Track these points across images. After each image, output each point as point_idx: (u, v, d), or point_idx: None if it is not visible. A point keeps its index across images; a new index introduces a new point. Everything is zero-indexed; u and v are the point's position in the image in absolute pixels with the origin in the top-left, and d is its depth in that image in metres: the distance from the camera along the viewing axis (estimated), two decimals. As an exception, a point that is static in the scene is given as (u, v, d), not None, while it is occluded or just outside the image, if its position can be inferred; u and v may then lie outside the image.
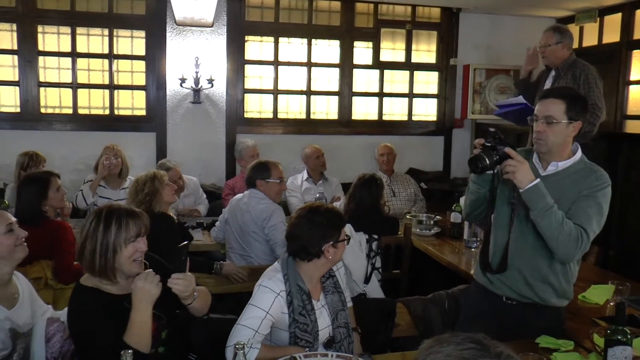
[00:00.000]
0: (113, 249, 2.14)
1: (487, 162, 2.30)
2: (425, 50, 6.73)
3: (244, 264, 3.82)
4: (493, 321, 2.47)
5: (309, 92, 6.37)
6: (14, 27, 5.68)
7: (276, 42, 6.20)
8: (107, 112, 5.93)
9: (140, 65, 5.93)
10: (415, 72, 6.69)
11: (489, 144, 2.31)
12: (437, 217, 4.75)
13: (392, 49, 6.60)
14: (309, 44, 6.29)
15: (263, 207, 3.84)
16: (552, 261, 2.45)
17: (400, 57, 6.62)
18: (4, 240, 2.31)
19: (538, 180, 2.30)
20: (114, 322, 2.10)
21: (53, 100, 5.85)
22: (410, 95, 6.71)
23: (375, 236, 3.95)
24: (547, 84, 4.33)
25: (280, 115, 6.32)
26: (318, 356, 2.25)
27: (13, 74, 5.73)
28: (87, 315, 2.11)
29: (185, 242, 2.33)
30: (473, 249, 4.07)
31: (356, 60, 6.44)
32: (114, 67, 5.90)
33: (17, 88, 5.74)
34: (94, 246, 2.13)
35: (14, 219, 2.40)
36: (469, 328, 1.17)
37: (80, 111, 5.88)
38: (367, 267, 3.87)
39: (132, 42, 5.91)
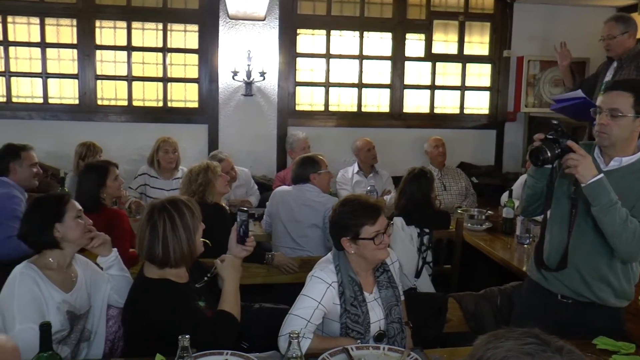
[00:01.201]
0: (188, 238, 2.28)
1: (549, 154, 2.23)
2: (478, 42, 6.63)
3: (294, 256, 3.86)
4: (548, 319, 2.43)
5: (360, 85, 6.36)
6: (74, 22, 5.89)
7: (328, 35, 6.22)
8: (160, 104, 6.09)
9: (193, 58, 6.05)
10: (468, 65, 6.60)
11: (551, 136, 2.24)
12: (489, 212, 4.69)
13: (445, 41, 6.53)
14: (361, 37, 6.28)
15: (325, 199, 3.91)
16: (612, 260, 2.38)
17: (453, 49, 6.53)
18: (74, 225, 2.41)
19: (602, 175, 2.22)
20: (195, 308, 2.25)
21: (109, 93, 6.04)
22: (462, 88, 6.62)
23: (427, 230, 3.95)
24: (608, 76, 4.22)
25: (331, 108, 6.35)
26: (370, 348, 2.28)
27: (72, 67, 5.96)
28: (171, 307, 2.22)
29: (246, 209, 2.47)
30: (525, 245, 4.02)
31: (408, 52, 6.40)
32: (168, 61, 6.04)
33: (76, 81, 5.97)
34: (168, 239, 2.26)
35: (80, 207, 2.50)
36: (522, 325, 1.15)
37: (135, 103, 6.06)
38: (418, 261, 3.87)
39: (186, 35, 6.04)
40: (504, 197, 4.71)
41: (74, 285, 2.44)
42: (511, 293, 3.19)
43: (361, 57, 6.32)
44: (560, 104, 4.36)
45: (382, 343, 2.39)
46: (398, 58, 6.37)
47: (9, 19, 5.84)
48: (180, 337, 1.72)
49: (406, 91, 6.47)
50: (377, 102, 6.47)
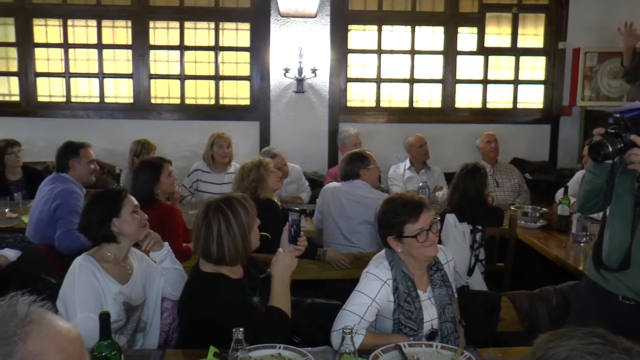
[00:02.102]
0: (243, 237, 2.32)
1: (610, 149, 2.11)
2: (532, 34, 6.46)
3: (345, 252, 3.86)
4: (607, 321, 2.33)
5: (411, 80, 6.31)
6: (129, 24, 6.07)
7: (379, 30, 6.19)
8: (212, 102, 6.20)
9: (245, 56, 6.13)
10: (521, 58, 6.44)
11: (613, 130, 2.12)
12: (543, 209, 4.58)
13: (497, 34, 6.39)
14: (412, 31, 6.23)
15: (376, 195, 3.89)
16: (679, 260, 2.27)
17: (506, 42, 6.39)
18: (131, 220, 2.48)
19: None
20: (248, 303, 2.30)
21: (162, 91, 6.20)
22: (516, 82, 6.47)
23: (480, 227, 3.89)
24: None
25: (382, 104, 6.32)
26: (423, 346, 2.26)
27: (127, 67, 6.14)
28: (224, 301, 2.27)
29: (297, 209, 2.50)
30: (582, 244, 3.91)
31: (460, 46, 6.31)
32: (220, 59, 6.14)
33: (131, 80, 6.15)
34: (223, 238, 2.30)
35: (136, 202, 2.57)
36: (580, 326, 1.12)
37: (187, 101, 6.19)
38: (471, 259, 3.83)
39: (237, 34, 6.12)
40: (559, 193, 4.59)
41: (130, 278, 2.52)
42: (567, 293, 3.11)
43: (413, 52, 6.26)
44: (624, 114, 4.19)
45: (435, 342, 2.37)
46: (450, 52, 6.28)
47: (69, 22, 6.06)
48: (234, 329, 1.75)
49: (458, 86, 6.38)
50: (429, 97, 6.40)
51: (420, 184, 4.93)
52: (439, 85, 6.36)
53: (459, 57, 6.33)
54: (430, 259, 2.48)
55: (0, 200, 4.66)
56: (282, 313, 2.32)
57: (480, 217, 3.90)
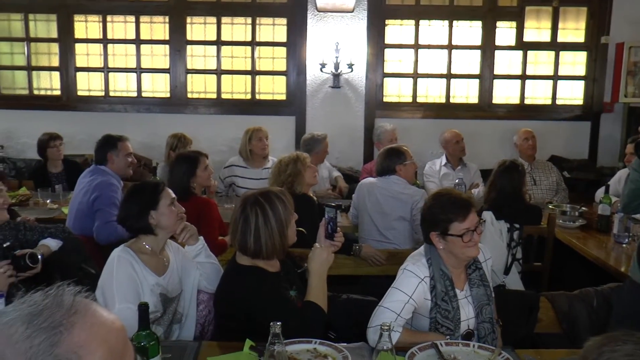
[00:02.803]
0: (280, 231, 2.32)
1: None
2: (573, 29, 6.31)
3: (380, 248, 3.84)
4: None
5: (449, 76, 6.24)
6: (167, 19, 6.15)
7: (417, 25, 6.13)
8: (248, 96, 6.23)
9: (282, 51, 6.14)
10: (561, 53, 6.30)
11: None
12: (583, 208, 4.48)
13: (537, 29, 6.26)
14: (450, 26, 6.15)
15: (413, 191, 3.89)
16: None
17: (546, 37, 6.26)
18: (168, 212, 2.51)
19: None
20: (285, 297, 2.32)
21: (199, 86, 6.26)
22: (555, 78, 6.34)
23: (517, 225, 3.83)
24: None
25: (419, 99, 6.27)
26: (459, 345, 2.23)
27: (164, 62, 6.21)
28: (260, 294, 2.27)
29: (334, 205, 2.48)
30: (624, 245, 3.81)
31: (498, 41, 6.21)
32: (256, 54, 6.16)
33: (168, 75, 6.23)
34: (260, 232, 2.30)
35: (174, 195, 2.59)
36: (624, 330, 1.09)
37: (224, 96, 6.24)
38: (508, 258, 3.77)
39: (274, 29, 6.14)
40: (600, 192, 4.49)
41: (167, 270, 2.55)
42: (609, 295, 3.02)
43: (450, 47, 6.19)
44: None
45: (471, 342, 2.34)
46: (488, 47, 6.19)
47: (108, 18, 6.16)
48: (272, 323, 1.75)
49: (496, 81, 6.29)
50: (466, 92, 6.33)
51: (457, 181, 4.87)
52: (476, 81, 6.28)
53: (497, 52, 6.23)
54: (471, 259, 2.45)
55: (42, 191, 4.74)
56: (318, 308, 2.31)
57: (517, 215, 3.84)
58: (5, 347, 0.71)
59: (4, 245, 2.61)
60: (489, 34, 6.16)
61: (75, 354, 0.73)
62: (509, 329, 2.74)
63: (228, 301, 2.34)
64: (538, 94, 6.38)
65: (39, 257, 2.59)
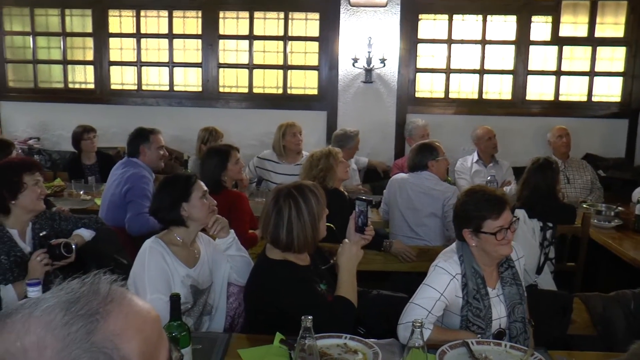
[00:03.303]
0: (312, 225, 2.32)
1: None
2: (612, 23, 6.13)
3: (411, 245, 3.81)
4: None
5: (482, 71, 6.14)
6: (199, 14, 6.18)
7: (450, 20, 6.05)
8: (280, 91, 6.23)
9: (314, 46, 6.13)
10: (599, 48, 6.13)
11: None
12: (619, 208, 4.38)
13: (574, 23, 6.11)
14: (484, 21, 6.05)
15: (444, 188, 3.86)
16: None
17: (582, 32, 6.10)
18: (200, 205, 2.52)
19: None
20: (315, 291, 2.31)
21: (230, 80, 6.29)
22: (592, 74, 6.17)
23: (550, 224, 3.76)
24: None
25: (451, 95, 6.20)
26: (491, 344, 2.20)
27: (197, 57, 6.25)
28: (291, 288, 2.28)
29: (365, 198, 2.47)
30: (663, 246, 3.72)
31: (533, 36, 6.07)
32: (288, 49, 6.15)
33: (200, 69, 6.27)
34: (293, 224, 2.29)
35: (206, 188, 2.61)
36: None
37: (255, 90, 6.25)
38: (540, 257, 3.70)
39: (307, 24, 6.13)
40: (637, 192, 4.38)
41: (197, 261, 2.56)
42: (648, 297, 2.95)
43: (484, 42, 6.09)
44: None
45: (503, 341, 2.30)
46: (522, 42, 6.07)
47: (142, 13, 6.23)
48: (303, 317, 1.74)
49: (530, 77, 6.16)
50: (499, 88, 6.23)
51: (489, 178, 4.80)
52: (510, 77, 6.16)
53: (531, 47, 6.10)
54: (503, 258, 2.41)
55: (76, 183, 4.82)
56: (348, 303, 2.30)
57: (551, 214, 3.77)
58: (46, 333, 0.71)
59: (41, 234, 2.65)
60: (523, 28, 6.04)
61: (111, 342, 0.73)
62: (542, 330, 2.69)
63: (259, 295, 2.34)
64: (573, 90, 6.24)
65: (73, 246, 2.63)
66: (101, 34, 6.31)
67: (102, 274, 0.78)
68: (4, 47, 6.45)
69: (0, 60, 6.45)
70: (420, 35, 6.07)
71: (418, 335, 1.77)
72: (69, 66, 6.49)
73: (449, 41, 6.08)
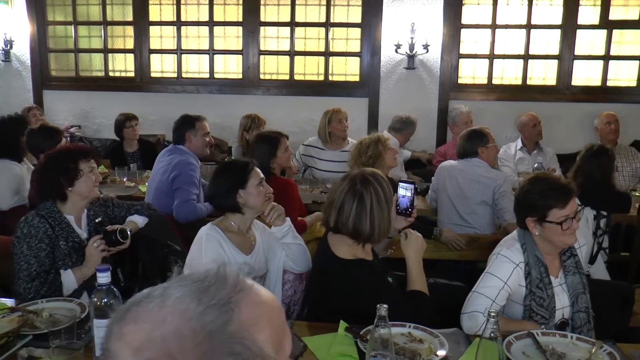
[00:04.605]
0: (389, 213, 2.28)
1: None
2: (667, 5, 5.92)
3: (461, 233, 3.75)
4: None
5: (526, 57, 6.00)
6: (240, 1, 6.19)
7: (494, 4, 5.91)
8: (321, 78, 6.19)
9: (356, 32, 6.07)
10: (650, 31, 5.92)
11: None
12: (673, 196, 4.25)
13: (624, 5, 5.90)
14: (529, 5, 5.89)
15: (495, 175, 3.78)
16: None
17: (634, 15, 5.89)
18: (256, 192, 2.50)
19: None
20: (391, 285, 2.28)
21: (271, 67, 6.26)
22: (642, 58, 5.97)
23: (604, 213, 3.66)
24: None
25: (494, 81, 6.07)
26: (557, 336, 2.13)
27: (237, 44, 6.24)
28: (372, 286, 2.22)
29: (410, 181, 2.46)
30: None
31: (580, 19, 5.89)
32: (330, 35, 6.09)
33: (240, 56, 6.26)
34: (374, 213, 2.23)
35: (263, 175, 2.58)
36: None
37: (296, 77, 6.21)
38: (593, 246, 3.61)
39: (349, 10, 6.06)
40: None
41: (253, 249, 2.55)
42: None
43: (529, 27, 5.94)
44: None
45: (566, 332, 2.23)
46: (569, 26, 5.90)
47: (182, 1, 6.24)
48: (378, 305, 1.70)
49: (576, 62, 5.99)
50: (543, 74, 6.07)
51: (536, 165, 4.72)
52: (555, 62, 6.01)
53: (578, 32, 5.92)
54: (567, 246, 2.34)
55: (119, 170, 4.86)
56: (425, 296, 2.26)
57: (605, 203, 3.68)
58: (183, 323, 0.70)
59: (96, 221, 2.66)
60: (570, 12, 5.86)
61: (246, 331, 0.71)
62: (601, 322, 2.61)
63: (335, 297, 2.24)
64: (622, 75, 6.05)
65: (128, 232, 2.64)
66: (141, 22, 6.34)
67: (225, 265, 0.76)
68: (47, 36, 6.53)
69: (43, 49, 6.53)
70: (463, 21, 5.95)
71: (492, 325, 1.71)
72: (110, 54, 6.55)
73: (493, 26, 5.95)
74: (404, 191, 2.39)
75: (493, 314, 1.72)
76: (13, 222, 2.60)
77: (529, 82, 6.06)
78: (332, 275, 2.28)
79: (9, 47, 6.44)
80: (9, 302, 2.36)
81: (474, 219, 3.75)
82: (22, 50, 6.51)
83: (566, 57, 5.96)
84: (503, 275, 2.25)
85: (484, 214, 3.74)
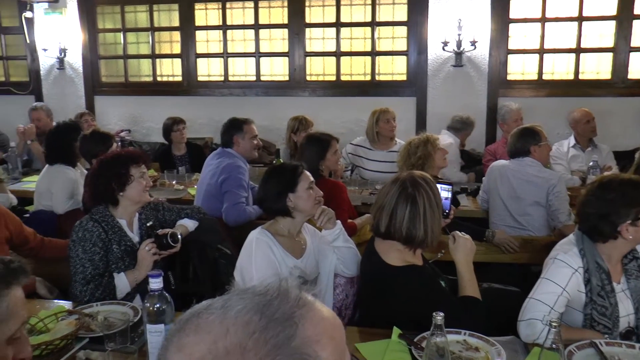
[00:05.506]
0: (439, 217, 2.24)
1: None
2: None
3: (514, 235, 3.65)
4: None
5: (578, 50, 5.80)
6: (285, 3, 6.18)
7: (543, -3, 5.75)
8: (368, 77, 6.14)
9: (402, 30, 6.00)
10: None
11: None
12: None
13: (684, -7, 5.64)
14: (582, -4, 5.70)
15: (548, 175, 3.66)
16: None
17: (697, 3, 5.62)
18: (306, 196, 2.48)
19: None
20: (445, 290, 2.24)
21: (317, 68, 6.25)
22: None
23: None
24: None
25: (545, 77, 5.89)
26: (622, 346, 2.02)
27: (283, 46, 6.25)
28: (427, 293, 2.17)
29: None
30: None
31: (637, 9, 5.63)
32: (376, 35, 6.04)
33: (287, 58, 6.26)
34: (427, 217, 2.19)
35: (312, 179, 2.56)
36: None
37: (343, 78, 6.18)
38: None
39: (394, 8, 6.00)
40: None
41: (304, 252, 2.53)
42: None
43: (580, 19, 5.73)
44: None
45: (632, 341, 2.11)
46: (625, 17, 5.65)
47: (227, 5, 6.29)
48: (434, 314, 1.65)
49: (632, 55, 5.75)
50: (596, 68, 5.85)
51: (591, 163, 4.55)
52: (609, 55, 5.78)
53: (635, 22, 5.67)
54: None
55: (168, 173, 4.92)
56: (478, 302, 2.20)
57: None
58: (245, 338, 0.69)
59: (147, 225, 2.69)
60: (626, 2, 5.62)
61: (311, 347, 0.70)
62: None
63: (388, 304, 2.20)
64: (683, 68, 5.79)
65: (179, 236, 2.65)
66: (188, 27, 6.42)
67: (287, 279, 0.75)
68: (97, 44, 6.69)
69: (94, 56, 6.70)
70: (512, 15, 5.79)
71: (555, 336, 1.63)
72: (157, 60, 6.66)
73: (543, 20, 5.77)
74: (446, 193, 2.33)
75: (554, 323, 1.65)
76: (68, 226, 2.66)
77: (581, 76, 5.85)
78: (383, 283, 2.23)
79: (63, 55, 6.63)
80: (67, 304, 2.42)
81: (527, 221, 3.64)
82: (75, 58, 6.68)
83: (622, 49, 5.72)
84: (561, 281, 2.15)
85: (538, 216, 3.63)
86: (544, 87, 5.86)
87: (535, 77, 5.89)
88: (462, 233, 2.33)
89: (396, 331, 1.99)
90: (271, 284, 0.74)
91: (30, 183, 4.74)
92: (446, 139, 5.00)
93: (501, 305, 2.50)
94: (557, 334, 1.64)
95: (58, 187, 3.96)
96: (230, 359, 0.67)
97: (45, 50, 6.61)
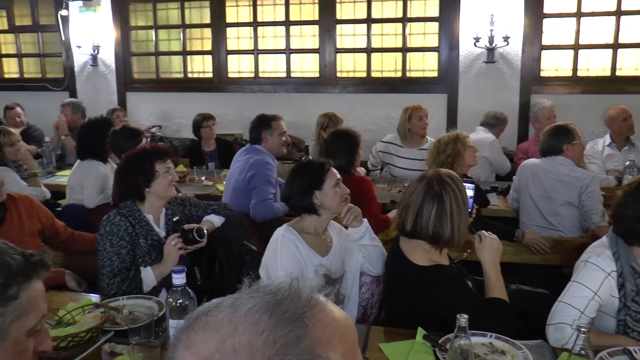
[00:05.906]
0: (466, 216, 2.20)
1: None
2: None
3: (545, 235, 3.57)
4: None
5: (615, 45, 5.65)
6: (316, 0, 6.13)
7: (580, -11, 5.61)
8: (399, 74, 6.09)
9: (433, 26, 5.93)
10: None
11: None
12: None
13: None
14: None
15: (581, 174, 3.56)
16: None
17: None
18: (332, 194, 2.47)
19: None
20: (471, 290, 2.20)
21: (348, 65, 6.22)
22: None
23: None
24: None
25: (579, 73, 5.75)
26: (658, 353, 1.95)
27: (313, 42, 6.24)
28: (453, 292, 2.14)
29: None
30: None
31: (679, 4, 5.47)
32: (407, 31, 5.98)
33: (317, 55, 6.25)
34: (454, 217, 2.14)
35: (339, 176, 2.54)
36: None
37: (374, 74, 6.14)
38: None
39: (425, 4, 5.94)
40: None
41: (330, 250, 2.51)
42: None
43: (618, 13, 5.57)
44: None
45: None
46: (667, 10, 5.50)
47: (258, 2, 6.31)
48: (458, 316, 1.61)
49: (676, 47, 5.58)
50: (635, 64, 5.69)
51: (628, 163, 4.41)
52: (649, 50, 5.62)
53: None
54: None
55: (197, 169, 4.95)
56: (505, 304, 2.15)
57: None
58: (254, 337, 0.68)
59: (174, 220, 2.71)
60: (669, -6, 5.47)
61: (320, 348, 0.68)
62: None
63: (414, 304, 2.17)
64: None
65: (205, 231, 2.66)
66: (219, 24, 6.45)
67: (298, 279, 0.73)
68: (130, 41, 6.77)
69: (127, 53, 6.79)
70: (545, 10, 5.67)
71: (584, 342, 1.58)
72: (188, 56, 6.71)
73: (578, 14, 5.64)
74: (470, 191, 2.29)
75: (584, 329, 1.59)
76: (98, 220, 2.69)
77: (618, 72, 5.70)
78: (409, 282, 2.20)
79: (96, 52, 6.74)
80: (95, 297, 2.45)
81: (558, 221, 3.55)
82: (108, 55, 6.79)
83: (662, 44, 5.56)
84: (593, 285, 2.08)
85: (570, 216, 3.54)
86: (578, 83, 5.73)
87: (569, 73, 5.77)
88: (489, 232, 2.27)
89: (421, 332, 1.96)
90: (282, 283, 0.73)
91: (63, 177, 4.82)
92: (483, 135, 4.95)
93: (529, 307, 2.45)
94: (586, 339, 1.58)
95: (89, 181, 4.02)
96: (238, 358, 0.67)
97: (79, 47, 6.74)
